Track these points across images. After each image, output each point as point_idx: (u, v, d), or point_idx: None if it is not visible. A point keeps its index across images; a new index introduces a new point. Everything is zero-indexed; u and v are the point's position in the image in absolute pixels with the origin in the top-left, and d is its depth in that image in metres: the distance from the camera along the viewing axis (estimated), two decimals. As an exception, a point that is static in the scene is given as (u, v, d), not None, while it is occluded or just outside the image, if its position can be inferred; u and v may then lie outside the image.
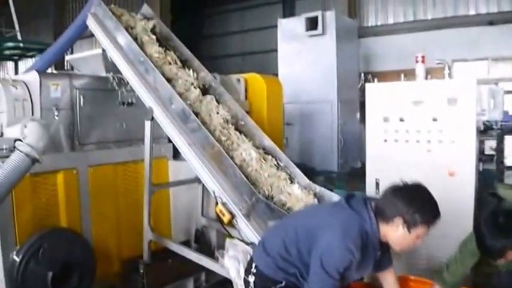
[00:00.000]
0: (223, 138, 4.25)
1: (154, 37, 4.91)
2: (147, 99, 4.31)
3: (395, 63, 9.76)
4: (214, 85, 4.90)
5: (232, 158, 4.05)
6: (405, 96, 4.42)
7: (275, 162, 4.28)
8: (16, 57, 13.39)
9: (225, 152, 3.94)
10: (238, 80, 6.38)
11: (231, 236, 3.91)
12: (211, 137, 3.91)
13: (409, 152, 4.42)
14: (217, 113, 4.43)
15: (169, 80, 4.48)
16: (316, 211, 2.94)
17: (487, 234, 2.84)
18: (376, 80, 4.76)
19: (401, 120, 4.45)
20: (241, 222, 3.52)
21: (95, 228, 4.79)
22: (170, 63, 4.73)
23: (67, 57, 5.87)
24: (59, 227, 4.39)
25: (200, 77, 4.84)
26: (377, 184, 4.62)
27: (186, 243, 5.35)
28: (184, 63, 4.93)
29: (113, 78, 4.96)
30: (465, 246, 3.33)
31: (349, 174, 7.36)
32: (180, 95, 4.37)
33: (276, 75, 8.92)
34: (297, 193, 3.97)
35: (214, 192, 3.73)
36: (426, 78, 4.68)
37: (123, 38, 4.59)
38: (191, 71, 4.76)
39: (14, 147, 3.61)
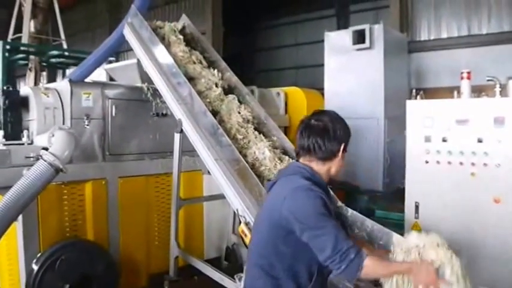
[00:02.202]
0: (240, 137, 4.14)
1: (181, 37, 4.90)
2: (177, 111, 4.22)
3: (448, 80, 9.34)
4: (239, 86, 4.81)
5: (245, 156, 3.93)
6: (449, 114, 4.11)
7: None
8: (63, 66, 13.69)
9: (238, 151, 3.83)
10: (278, 94, 6.24)
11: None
12: (237, 153, 3.74)
13: (451, 175, 4.10)
14: (239, 112, 4.33)
15: (192, 79, 4.46)
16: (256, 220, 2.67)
17: None
18: (419, 96, 4.45)
19: (444, 140, 4.14)
20: (264, 244, 3.31)
21: (123, 241, 4.74)
22: (194, 63, 4.71)
23: (104, 67, 5.88)
24: (81, 239, 4.35)
25: (225, 77, 4.78)
26: (416, 207, 4.33)
27: (216, 260, 5.22)
28: (212, 64, 4.90)
29: (148, 88, 4.92)
30: None
31: (394, 195, 7.00)
32: (201, 93, 4.34)
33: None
34: None
35: (237, 211, 3.55)
36: (479, 96, 4.35)
37: (157, 49, 4.53)
38: (216, 70, 4.70)
39: (40, 155, 3.58)
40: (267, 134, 4.39)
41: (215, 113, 4.23)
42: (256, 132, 4.25)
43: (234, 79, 4.84)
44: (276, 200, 2.36)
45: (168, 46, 4.66)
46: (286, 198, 2.27)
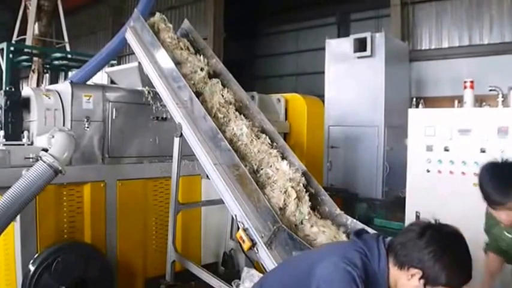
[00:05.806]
0: (220, 115, 4.26)
1: (170, 26, 5.04)
2: (177, 114, 4.20)
3: (449, 89, 9.38)
4: (224, 72, 4.90)
5: (224, 132, 4.04)
6: (451, 124, 4.11)
7: (269, 141, 4.20)
8: (66, 68, 13.73)
9: (218, 128, 3.91)
10: (279, 100, 6.23)
11: (253, 264, 3.69)
12: (237, 158, 3.72)
13: (453, 185, 4.09)
14: (222, 95, 4.43)
15: (178, 63, 4.56)
16: (316, 249, 2.54)
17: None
18: (421, 105, 4.44)
19: (446, 149, 4.13)
20: (262, 251, 3.26)
21: (120, 244, 4.68)
22: (182, 49, 4.82)
23: (105, 70, 5.87)
24: (78, 241, 4.30)
25: (211, 63, 4.88)
26: (417, 217, 4.30)
27: (213, 266, 5.18)
28: (199, 52, 5.03)
29: (148, 92, 4.89)
30: None
31: (393, 203, 6.99)
32: (186, 75, 4.43)
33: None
34: (285, 169, 3.84)
35: (236, 217, 3.52)
36: (481, 106, 4.34)
37: (158, 53, 4.52)
38: (202, 57, 4.82)
39: (39, 156, 3.55)
40: (249, 116, 4.50)
41: (198, 94, 4.31)
42: (237, 113, 4.36)
43: (220, 66, 4.92)
44: (325, 253, 2.17)
45: (157, 33, 4.78)
46: (327, 264, 2.03)
